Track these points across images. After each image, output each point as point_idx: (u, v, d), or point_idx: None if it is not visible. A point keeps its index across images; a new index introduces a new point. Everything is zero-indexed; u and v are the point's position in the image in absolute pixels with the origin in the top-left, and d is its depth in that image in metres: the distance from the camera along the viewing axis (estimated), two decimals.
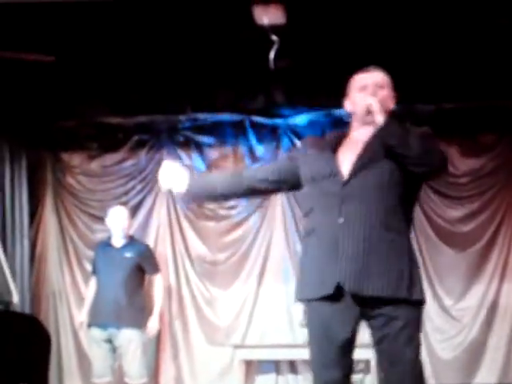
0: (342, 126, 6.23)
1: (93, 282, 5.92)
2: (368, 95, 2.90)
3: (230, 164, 6.59)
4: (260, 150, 6.60)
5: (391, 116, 2.89)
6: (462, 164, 6.36)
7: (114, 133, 6.60)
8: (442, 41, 5.51)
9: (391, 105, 2.98)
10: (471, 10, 5.08)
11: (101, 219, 6.31)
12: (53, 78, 5.89)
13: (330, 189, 2.87)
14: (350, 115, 3.08)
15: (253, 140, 6.58)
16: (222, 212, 6.62)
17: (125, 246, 5.81)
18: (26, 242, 6.44)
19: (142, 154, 6.67)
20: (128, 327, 5.59)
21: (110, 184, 6.72)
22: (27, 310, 6.28)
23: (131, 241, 5.90)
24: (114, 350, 5.67)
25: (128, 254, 5.75)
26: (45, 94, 6.08)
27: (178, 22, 5.21)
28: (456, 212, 6.37)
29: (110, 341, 5.64)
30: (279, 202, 6.57)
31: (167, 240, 6.66)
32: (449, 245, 6.36)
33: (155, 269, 5.94)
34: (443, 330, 6.32)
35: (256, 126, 6.54)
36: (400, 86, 5.84)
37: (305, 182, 3.00)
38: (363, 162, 2.86)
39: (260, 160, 6.55)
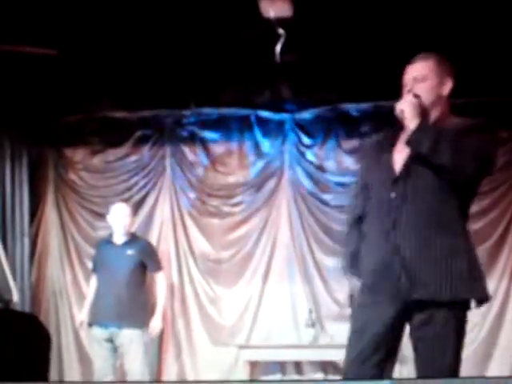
0: (348, 121, 6.31)
1: (93, 280, 5.84)
2: (405, 94, 2.81)
3: (235, 160, 6.51)
4: (266, 145, 6.50)
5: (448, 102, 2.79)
6: None
7: (117, 128, 6.51)
8: (454, 33, 5.40)
9: (443, 91, 2.86)
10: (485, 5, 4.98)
11: (103, 216, 6.24)
12: (55, 72, 5.81)
13: (384, 192, 2.81)
14: None
15: (258, 135, 6.49)
16: (226, 209, 6.53)
17: (126, 243, 5.74)
18: (27, 240, 6.36)
19: (146, 150, 6.58)
20: (130, 327, 5.51)
21: (113, 180, 6.63)
22: (27, 309, 6.19)
23: (133, 238, 5.83)
24: (115, 349, 5.59)
25: (130, 252, 5.68)
26: (47, 88, 6.00)
27: (183, 16, 5.13)
28: None
29: (111, 340, 5.56)
30: (285, 200, 6.48)
31: (170, 237, 6.57)
32: None
33: (158, 266, 5.86)
34: None
35: (262, 121, 6.45)
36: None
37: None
38: (413, 163, 2.79)
39: (265, 156, 6.48)
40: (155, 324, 5.70)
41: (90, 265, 6.28)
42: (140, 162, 6.59)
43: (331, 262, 6.26)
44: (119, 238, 5.76)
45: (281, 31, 5.15)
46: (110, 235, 5.83)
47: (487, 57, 5.58)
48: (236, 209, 6.53)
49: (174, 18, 5.15)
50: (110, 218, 5.84)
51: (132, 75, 5.91)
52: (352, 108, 6.25)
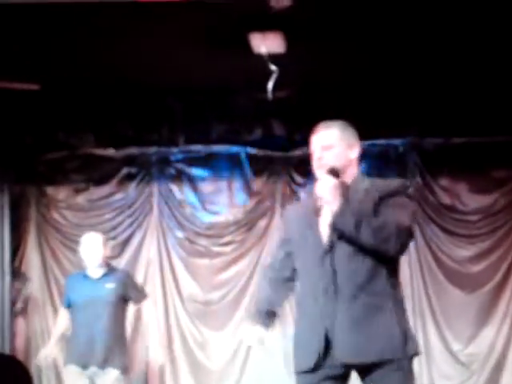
0: None
1: (64, 316, 5.31)
2: (315, 162, 2.84)
3: (225, 198, 6.34)
4: (257, 183, 6.34)
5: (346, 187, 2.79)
6: (471, 201, 6.13)
7: (102, 165, 6.34)
8: (452, 73, 5.40)
9: (350, 155, 2.88)
10: (482, 43, 4.91)
11: None
12: (37, 107, 5.72)
13: (314, 257, 2.82)
14: None
15: (249, 173, 6.32)
16: (216, 249, 6.36)
17: (104, 276, 5.19)
18: (8, 279, 6.16)
19: (131, 188, 6.39)
20: (115, 367, 5.19)
21: (98, 219, 6.44)
22: (7, 350, 6.05)
23: (110, 269, 5.27)
24: None
25: (109, 285, 5.15)
26: (28, 123, 5.91)
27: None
28: (465, 251, 6.12)
29: (91, 379, 5.13)
30: (277, 237, 6.27)
31: (157, 278, 6.38)
32: (457, 286, 6.10)
33: (143, 294, 5.33)
34: (451, 377, 6.07)
35: (252, 159, 6.28)
36: (407, 119, 5.79)
37: (294, 251, 2.97)
38: (334, 239, 2.81)
39: (256, 194, 6.31)
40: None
41: None
42: (126, 201, 6.41)
43: None
44: (95, 272, 5.23)
45: (273, 67, 5.01)
46: (84, 270, 5.29)
47: (482, 97, 5.56)
48: (226, 248, 6.36)
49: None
50: (81, 249, 5.29)
51: (118, 111, 5.82)
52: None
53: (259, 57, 4.99)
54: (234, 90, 5.66)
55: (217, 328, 6.28)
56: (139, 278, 6.22)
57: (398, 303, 2.84)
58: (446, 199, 6.11)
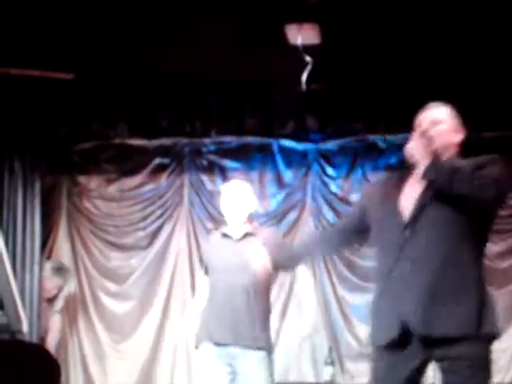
0: (375, 152, 6.14)
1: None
2: (417, 134, 2.87)
3: (256, 190, 6.28)
4: (288, 175, 6.32)
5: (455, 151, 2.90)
6: None
7: (134, 155, 6.36)
8: (483, 67, 5.36)
9: (454, 138, 2.96)
10: None
11: (117, 246, 6.12)
12: (72, 96, 5.71)
13: (394, 232, 2.86)
14: None
15: (281, 165, 6.32)
16: None
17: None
18: (37, 269, 6.13)
19: (163, 179, 6.40)
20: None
21: (128, 209, 6.44)
22: (36, 340, 5.96)
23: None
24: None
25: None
26: (62, 113, 5.87)
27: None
28: (495, 246, 6.03)
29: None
30: (306, 231, 6.26)
31: (186, 269, 6.37)
32: (487, 282, 6.03)
33: None
34: None
35: (285, 151, 6.28)
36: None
37: (372, 228, 3.04)
38: (424, 203, 2.85)
39: (287, 186, 6.30)
40: None
41: (102, 296, 6.15)
42: (157, 191, 6.41)
43: (354, 299, 6.09)
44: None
45: (308, 59, 5.02)
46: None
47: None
48: None
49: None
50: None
51: (151, 102, 5.80)
52: (379, 139, 6.08)
53: (294, 49, 5.00)
54: (267, 82, 5.64)
55: None
56: (168, 269, 6.28)
57: (480, 279, 2.84)
58: None
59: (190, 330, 4.59)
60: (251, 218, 4.43)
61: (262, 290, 4.24)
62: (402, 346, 2.82)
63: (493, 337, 2.81)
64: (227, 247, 4.30)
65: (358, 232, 3.15)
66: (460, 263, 2.78)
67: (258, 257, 3.83)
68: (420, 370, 2.88)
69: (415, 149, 2.82)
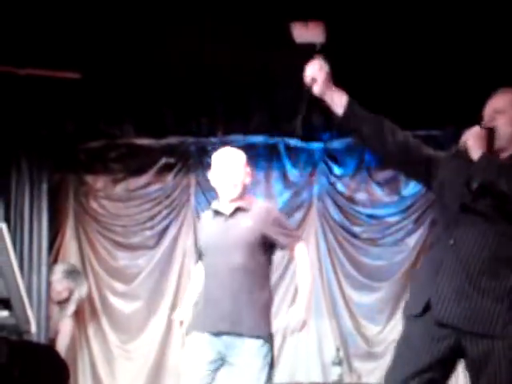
0: None
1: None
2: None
3: (262, 189, 6.30)
4: (294, 174, 6.31)
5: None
6: None
7: (141, 155, 6.35)
8: (490, 64, 5.28)
9: None
10: None
11: (124, 246, 6.10)
12: (79, 96, 5.72)
13: (451, 205, 2.84)
14: None
15: (287, 164, 6.30)
16: None
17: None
18: (44, 269, 6.15)
19: (170, 178, 6.40)
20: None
21: (135, 209, 6.44)
22: (43, 340, 5.97)
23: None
24: None
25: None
26: (69, 112, 5.90)
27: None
28: None
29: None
30: (313, 233, 6.26)
31: (193, 269, 6.35)
32: None
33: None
34: None
35: (291, 150, 6.26)
36: (447, 110, 5.74)
37: (436, 188, 2.96)
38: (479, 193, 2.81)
39: (293, 185, 6.29)
40: None
41: (108, 295, 6.13)
42: (163, 191, 6.40)
43: (361, 298, 6.07)
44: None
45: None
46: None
47: None
48: None
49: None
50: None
51: (158, 101, 5.80)
52: None
53: (299, 47, 4.99)
54: (273, 80, 5.63)
55: None
56: (175, 268, 6.27)
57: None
58: None
59: (178, 317, 4.09)
60: (246, 190, 4.02)
61: (258, 271, 3.84)
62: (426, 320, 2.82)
63: None
64: (218, 226, 3.92)
65: (415, 158, 3.01)
66: (503, 260, 2.75)
67: (250, 233, 3.75)
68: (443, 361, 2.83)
69: (468, 138, 2.82)
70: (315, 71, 2.97)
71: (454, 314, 2.74)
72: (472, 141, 2.81)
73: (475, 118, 5.69)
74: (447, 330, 2.76)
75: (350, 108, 2.99)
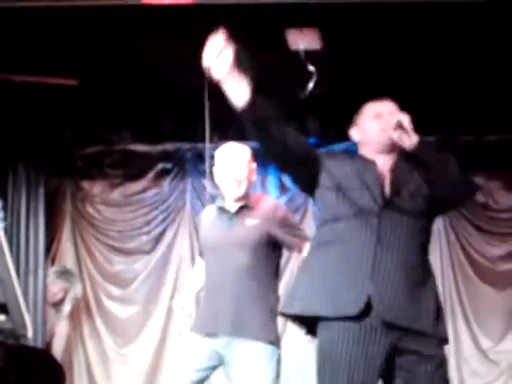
0: None
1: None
2: (384, 123, 2.79)
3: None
4: (290, 180, 6.31)
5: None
6: (503, 198, 6.13)
7: (138, 160, 6.39)
8: (485, 70, 5.36)
9: None
10: None
11: (120, 251, 6.12)
12: (76, 102, 5.73)
13: (366, 204, 2.73)
14: (357, 144, 2.97)
15: None
16: None
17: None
18: (41, 274, 6.18)
19: (166, 183, 6.43)
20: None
21: (131, 214, 6.48)
22: (40, 345, 6.00)
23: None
24: None
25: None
26: (66, 118, 5.91)
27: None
28: (497, 249, 6.12)
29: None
30: (309, 236, 6.26)
31: (189, 273, 6.36)
32: (488, 284, 6.09)
33: None
34: (480, 374, 6.04)
35: None
36: (440, 117, 5.77)
37: (325, 187, 2.83)
38: (398, 188, 2.78)
39: (289, 190, 6.31)
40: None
41: (105, 300, 6.14)
42: (160, 196, 6.44)
43: None
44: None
45: (312, 68, 5.03)
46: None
47: None
48: None
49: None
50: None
51: (154, 107, 5.82)
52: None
53: (294, 53, 5.02)
54: (268, 86, 5.64)
55: None
56: (171, 273, 6.30)
57: (434, 279, 2.80)
58: (479, 197, 6.09)
59: (178, 304, 3.88)
60: (251, 187, 3.79)
61: (264, 273, 3.61)
62: (358, 320, 2.71)
63: (446, 341, 2.77)
64: (221, 224, 3.69)
65: (302, 153, 2.86)
66: (425, 259, 2.77)
67: (256, 232, 3.56)
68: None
69: (403, 119, 2.71)
70: (217, 51, 2.50)
71: (398, 312, 2.64)
72: (409, 122, 2.70)
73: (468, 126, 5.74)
74: (387, 329, 2.64)
75: (254, 97, 2.65)
